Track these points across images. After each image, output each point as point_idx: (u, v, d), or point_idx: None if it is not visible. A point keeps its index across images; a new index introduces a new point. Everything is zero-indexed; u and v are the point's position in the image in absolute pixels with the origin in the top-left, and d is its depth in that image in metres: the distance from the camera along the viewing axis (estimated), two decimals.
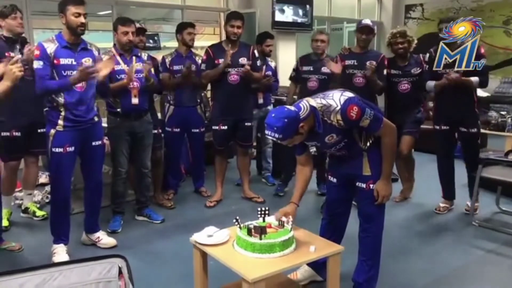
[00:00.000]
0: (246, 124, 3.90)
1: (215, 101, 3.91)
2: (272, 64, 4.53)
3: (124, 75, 3.22)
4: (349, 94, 2.12)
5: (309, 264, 2.48)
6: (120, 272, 1.60)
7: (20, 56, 2.64)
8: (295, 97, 4.05)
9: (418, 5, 8.15)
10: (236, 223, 2.10)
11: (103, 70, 2.80)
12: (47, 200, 3.80)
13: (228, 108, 3.78)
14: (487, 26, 5.91)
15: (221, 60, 3.70)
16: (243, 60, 3.70)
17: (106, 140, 3.39)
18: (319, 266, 2.43)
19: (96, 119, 2.90)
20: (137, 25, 3.64)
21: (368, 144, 2.23)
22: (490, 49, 6.90)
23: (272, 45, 4.46)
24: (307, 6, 6.30)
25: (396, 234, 3.27)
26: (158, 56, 4.15)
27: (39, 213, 3.55)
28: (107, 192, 3.44)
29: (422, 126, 3.88)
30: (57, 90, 2.71)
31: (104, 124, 3.41)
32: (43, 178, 4.34)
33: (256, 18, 6.12)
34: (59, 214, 2.88)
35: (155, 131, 3.64)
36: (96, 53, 2.88)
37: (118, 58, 3.27)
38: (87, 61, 2.78)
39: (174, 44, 4.14)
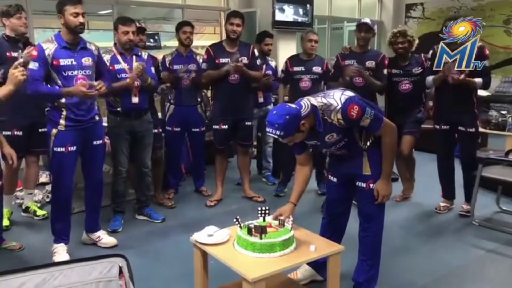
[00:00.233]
0: (246, 123, 3.90)
1: (216, 101, 3.91)
2: (273, 63, 4.53)
3: (125, 74, 3.22)
4: (349, 94, 2.12)
5: (309, 264, 2.48)
6: (121, 272, 1.60)
7: (21, 60, 2.64)
8: (286, 98, 4.04)
9: (419, 4, 8.14)
10: (237, 222, 2.11)
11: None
12: (47, 200, 3.81)
13: (228, 108, 3.78)
14: (487, 25, 5.93)
15: (221, 60, 3.70)
16: (243, 59, 3.70)
17: (106, 140, 3.39)
18: (319, 265, 2.43)
19: (97, 118, 2.90)
20: (137, 24, 3.64)
21: (368, 143, 2.24)
22: (491, 49, 6.84)
23: (271, 44, 4.45)
24: (308, 5, 6.29)
25: (396, 233, 3.27)
26: (159, 55, 4.15)
27: (40, 212, 3.56)
28: (108, 192, 3.44)
29: (422, 126, 3.88)
30: (47, 96, 2.73)
31: (104, 124, 3.41)
32: (44, 177, 4.35)
33: (256, 17, 6.11)
34: (60, 214, 2.89)
35: (156, 131, 3.64)
36: (95, 52, 2.88)
37: (119, 57, 3.27)
38: (86, 61, 2.78)
39: (175, 43, 4.14)
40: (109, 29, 5.55)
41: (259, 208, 2.20)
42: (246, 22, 3.93)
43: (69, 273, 1.55)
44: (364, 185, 2.27)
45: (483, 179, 3.39)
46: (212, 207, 3.89)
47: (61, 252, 2.84)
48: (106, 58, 3.20)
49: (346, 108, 2.05)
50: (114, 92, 3.24)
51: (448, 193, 3.77)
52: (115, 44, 3.41)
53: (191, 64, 3.94)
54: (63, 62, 2.70)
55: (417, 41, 3.72)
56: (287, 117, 1.98)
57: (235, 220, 2.12)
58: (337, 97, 2.09)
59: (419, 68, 3.68)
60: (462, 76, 3.27)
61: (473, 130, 3.51)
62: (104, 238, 3.08)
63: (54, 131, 2.76)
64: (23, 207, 3.65)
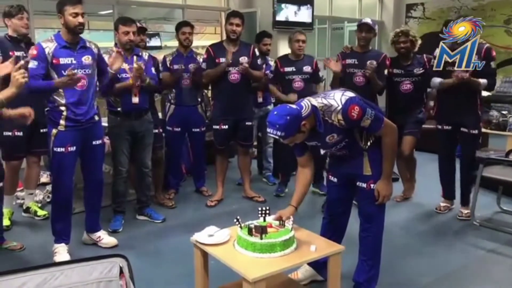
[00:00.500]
0: (246, 123, 3.90)
1: (216, 101, 3.91)
2: (272, 63, 4.53)
3: (125, 74, 3.22)
4: (350, 94, 2.12)
5: (309, 264, 2.48)
6: (121, 272, 1.60)
7: (22, 62, 2.64)
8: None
9: (419, 4, 8.13)
10: (237, 222, 2.11)
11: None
12: (48, 200, 3.81)
13: (228, 108, 3.78)
14: (488, 25, 5.93)
15: (221, 59, 3.70)
16: (243, 59, 3.70)
17: (106, 140, 3.40)
18: (319, 265, 2.43)
19: (96, 118, 2.91)
20: (138, 24, 3.64)
21: (368, 143, 2.23)
22: None
23: (269, 44, 4.43)
24: (308, 5, 6.30)
25: (396, 233, 3.27)
26: (159, 55, 4.15)
27: (41, 212, 3.56)
28: (108, 192, 3.45)
29: (423, 126, 3.87)
30: (42, 91, 2.73)
31: (105, 124, 3.41)
32: (44, 177, 4.35)
33: (257, 17, 6.12)
34: (60, 214, 2.89)
35: (156, 131, 3.64)
36: (95, 51, 2.88)
37: None
38: (86, 59, 2.79)
39: (175, 43, 4.14)
40: (110, 29, 5.55)
41: (260, 208, 2.20)
42: (247, 22, 3.93)
43: (69, 273, 1.55)
44: (364, 185, 2.27)
45: (484, 179, 3.39)
46: (213, 207, 3.89)
47: (61, 252, 2.85)
48: (107, 58, 3.20)
49: (346, 108, 2.05)
50: (116, 93, 3.24)
51: (449, 193, 3.77)
52: (115, 44, 3.41)
53: (190, 64, 3.93)
54: (63, 61, 2.71)
55: (419, 41, 3.70)
56: (288, 117, 1.98)
57: (235, 220, 2.12)
58: (337, 97, 2.09)
59: (421, 68, 3.67)
60: (467, 75, 3.24)
61: (476, 132, 3.48)
62: (105, 238, 3.08)
63: (54, 131, 2.77)
64: (24, 207, 3.65)
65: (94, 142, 2.90)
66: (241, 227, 2.09)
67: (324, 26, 7.80)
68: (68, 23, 2.68)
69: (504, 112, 5.10)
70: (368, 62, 3.65)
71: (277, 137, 2.02)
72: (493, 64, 3.37)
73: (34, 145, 3.37)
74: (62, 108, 2.74)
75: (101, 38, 7.70)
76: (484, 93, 5.23)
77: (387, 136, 2.18)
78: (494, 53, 3.38)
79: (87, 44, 2.85)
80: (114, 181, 3.42)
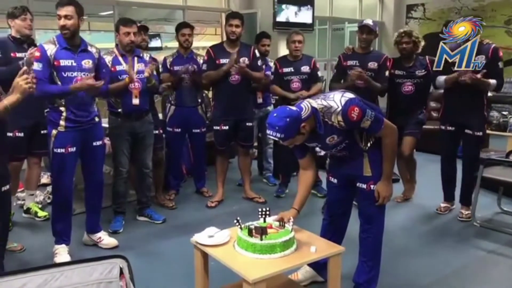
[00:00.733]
0: (247, 124, 3.90)
1: (216, 101, 3.92)
2: (272, 64, 4.52)
3: (126, 75, 3.22)
4: (349, 95, 2.12)
5: (310, 265, 2.48)
6: (121, 273, 1.61)
7: (26, 68, 2.65)
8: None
9: (420, 5, 8.13)
10: (237, 223, 2.11)
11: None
12: (49, 201, 3.81)
13: (229, 108, 3.79)
14: (488, 26, 5.92)
15: (222, 60, 3.70)
16: (244, 60, 3.71)
17: (107, 141, 3.40)
18: (320, 266, 2.44)
19: (96, 119, 2.91)
20: (139, 24, 3.64)
21: (368, 144, 2.23)
22: None
23: (268, 44, 4.42)
24: (309, 6, 6.30)
25: (397, 234, 3.27)
26: (160, 56, 4.15)
27: (41, 213, 3.56)
28: (109, 193, 3.45)
29: (423, 127, 3.86)
30: (57, 95, 2.73)
31: (105, 124, 3.42)
32: (45, 178, 4.35)
33: (257, 18, 6.12)
34: (60, 215, 2.89)
35: (156, 132, 3.64)
36: (96, 54, 2.89)
37: (120, 58, 3.28)
38: (86, 63, 2.79)
39: (176, 44, 4.14)
40: (110, 30, 5.56)
41: (260, 209, 2.20)
42: (247, 23, 3.93)
43: (70, 274, 1.55)
44: (364, 186, 2.27)
45: (484, 179, 3.38)
46: (213, 208, 3.89)
47: (62, 253, 2.85)
48: (108, 59, 3.22)
49: (346, 110, 2.05)
50: (113, 93, 3.24)
51: (449, 194, 3.76)
52: (116, 45, 3.41)
53: (190, 65, 3.93)
54: (63, 62, 2.72)
55: (423, 43, 3.67)
56: (288, 119, 1.98)
57: (235, 221, 2.12)
58: (337, 99, 2.09)
59: (423, 70, 3.64)
60: (479, 75, 3.22)
61: (480, 134, 3.46)
62: (105, 239, 3.09)
63: (54, 132, 2.77)
64: (25, 208, 3.65)
65: (94, 143, 2.91)
66: (241, 228, 2.09)
67: (324, 26, 7.81)
68: (58, 25, 2.66)
69: (504, 112, 5.10)
70: (370, 63, 3.64)
71: (276, 139, 2.02)
72: (500, 64, 3.35)
73: (35, 146, 3.38)
74: (62, 109, 2.75)
75: (102, 39, 7.71)
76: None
77: (387, 137, 2.18)
78: (501, 53, 3.36)
79: (88, 48, 2.86)
80: (115, 182, 3.42)
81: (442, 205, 3.76)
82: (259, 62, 3.86)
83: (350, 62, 3.73)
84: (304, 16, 6.29)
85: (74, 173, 2.92)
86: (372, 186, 2.25)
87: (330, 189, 2.50)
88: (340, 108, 2.06)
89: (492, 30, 7.11)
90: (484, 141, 3.68)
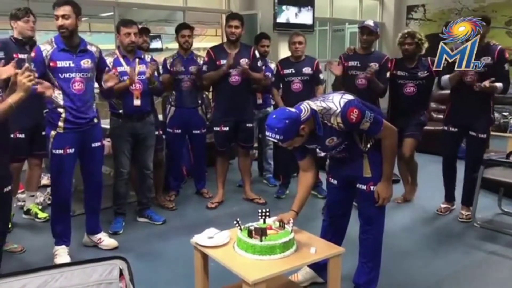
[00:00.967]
0: (247, 125, 3.90)
1: (217, 103, 3.92)
2: (272, 65, 4.52)
3: (127, 76, 3.23)
4: (349, 97, 2.12)
5: (310, 266, 2.48)
6: (121, 274, 1.61)
7: (27, 65, 2.65)
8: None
9: (420, 6, 8.13)
10: (237, 224, 2.11)
11: (108, 83, 2.87)
12: (49, 202, 3.81)
13: (229, 109, 3.79)
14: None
15: (222, 61, 3.71)
16: (244, 61, 3.71)
17: (107, 142, 3.40)
18: (320, 267, 2.43)
19: (95, 121, 2.91)
20: (140, 25, 3.64)
21: (368, 146, 2.23)
22: None
23: (267, 45, 4.41)
24: (309, 7, 6.31)
25: (397, 235, 3.27)
26: (160, 57, 4.15)
27: (41, 214, 3.57)
28: (109, 194, 3.45)
29: (424, 127, 3.86)
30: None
31: (107, 126, 3.42)
32: (45, 179, 4.35)
33: (257, 19, 6.13)
34: (59, 216, 2.89)
35: (156, 133, 3.64)
36: (96, 54, 2.87)
37: (121, 60, 3.28)
38: (85, 63, 2.79)
39: (177, 45, 4.14)
40: (111, 31, 5.56)
41: (260, 210, 2.20)
42: (247, 24, 3.93)
43: (69, 275, 1.56)
44: (364, 187, 2.27)
45: (485, 180, 3.38)
46: (213, 209, 3.89)
47: (62, 254, 2.85)
48: (109, 60, 3.22)
49: (345, 111, 2.05)
50: (115, 94, 3.25)
51: (449, 195, 3.76)
52: (118, 47, 3.42)
53: (191, 66, 3.94)
54: (60, 64, 2.71)
55: (426, 45, 3.65)
56: (287, 121, 1.97)
57: (235, 222, 2.12)
58: (336, 100, 2.09)
59: (425, 71, 3.63)
60: (487, 83, 3.20)
61: (484, 136, 3.45)
62: (105, 240, 3.09)
63: (53, 133, 2.77)
64: (25, 209, 3.66)
65: (93, 145, 2.91)
66: (241, 229, 2.09)
67: (325, 28, 7.81)
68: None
69: (505, 113, 5.10)
70: (372, 64, 3.64)
71: (275, 140, 2.01)
72: (506, 66, 3.33)
73: (36, 147, 3.38)
74: (61, 110, 2.75)
75: (102, 40, 7.72)
76: None
77: (387, 138, 2.18)
78: (507, 55, 3.34)
79: (88, 47, 2.85)
80: (115, 182, 3.42)
81: (443, 206, 3.76)
82: (259, 63, 3.86)
83: (351, 63, 3.73)
84: (305, 17, 6.29)
85: (72, 174, 2.91)
86: (372, 187, 2.25)
87: (330, 190, 2.50)
88: (339, 110, 2.06)
89: (492, 31, 7.05)
90: (488, 143, 3.64)
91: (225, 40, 3.91)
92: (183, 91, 3.96)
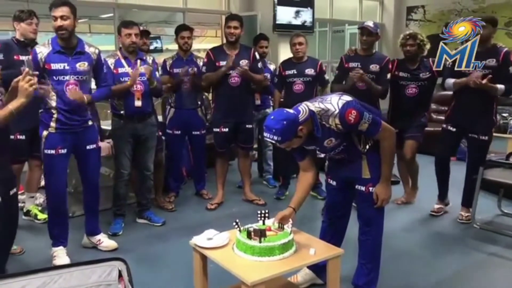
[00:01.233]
0: (247, 126, 3.91)
1: (216, 104, 3.93)
2: (271, 66, 4.53)
3: (128, 77, 3.23)
4: (347, 98, 2.12)
5: (309, 267, 2.48)
6: (120, 275, 1.61)
7: (27, 69, 2.65)
8: (282, 100, 4.02)
9: (420, 6, 8.13)
10: (236, 226, 2.11)
11: (72, 97, 2.71)
12: None
13: (229, 111, 3.79)
14: None
15: (222, 63, 3.71)
16: (243, 63, 3.72)
17: (107, 143, 3.40)
18: (319, 269, 2.43)
19: (89, 123, 2.89)
20: (141, 28, 3.65)
21: (367, 147, 2.23)
22: None
23: (266, 46, 4.41)
24: (309, 8, 6.31)
25: (396, 236, 3.26)
26: (160, 58, 4.16)
27: (41, 216, 3.56)
28: (109, 195, 3.45)
29: (425, 129, 3.85)
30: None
31: (108, 127, 3.43)
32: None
33: (257, 20, 6.13)
34: (55, 217, 2.88)
35: (156, 134, 3.64)
36: (94, 56, 2.85)
37: (123, 61, 3.29)
38: (81, 66, 2.77)
39: (176, 46, 4.15)
40: (111, 32, 5.57)
41: (259, 212, 2.20)
42: (247, 25, 3.93)
43: (68, 277, 1.56)
44: (363, 188, 2.27)
45: (485, 181, 3.38)
46: (213, 210, 3.89)
47: (61, 255, 2.85)
48: (111, 61, 3.23)
49: (343, 113, 2.05)
50: (116, 95, 3.25)
51: (441, 193, 3.75)
52: (120, 48, 3.43)
53: (190, 67, 3.94)
54: (54, 66, 2.70)
55: (428, 46, 3.64)
56: (285, 122, 1.97)
57: (234, 223, 2.12)
58: (334, 102, 2.09)
59: (427, 73, 3.62)
60: (484, 81, 3.19)
61: (485, 138, 3.43)
62: (105, 241, 3.09)
63: (45, 133, 2.77)
64: (24, 210, 3.65)
65: (88, 147, 2.89)
66: (240, 230, 2.09)
67: (325, 29, 7.81)
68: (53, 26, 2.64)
69: (504, 114, 5.09)
70: (372, 65, 3.64)
71: (273, 141, 2.01)
72: (511, 69, 3.31)
73: (36, 149, 3.36)
74: (53, 110, 2.74)
75: (102, 42, 7.72)
76: None
77: (385, 140, 2.18)
78: None
79: (86, 49, 2.83)
80: (116, 183, 3.42)
81: (436, 206, 3.74)
82: (259, 65, 3.87)
83: (352, 64, 3.70)
84: (304, 18, 6.29)
85: (65, 175, 2.90)
86: (371, 189, 2.25)
87: (329, 192, 2.50)
88: (337, 111, 2.06)
89: None
90: (489, 145, 3.62)
91: (225, 41, 3.92)
92: (183, 92, 3.96)
